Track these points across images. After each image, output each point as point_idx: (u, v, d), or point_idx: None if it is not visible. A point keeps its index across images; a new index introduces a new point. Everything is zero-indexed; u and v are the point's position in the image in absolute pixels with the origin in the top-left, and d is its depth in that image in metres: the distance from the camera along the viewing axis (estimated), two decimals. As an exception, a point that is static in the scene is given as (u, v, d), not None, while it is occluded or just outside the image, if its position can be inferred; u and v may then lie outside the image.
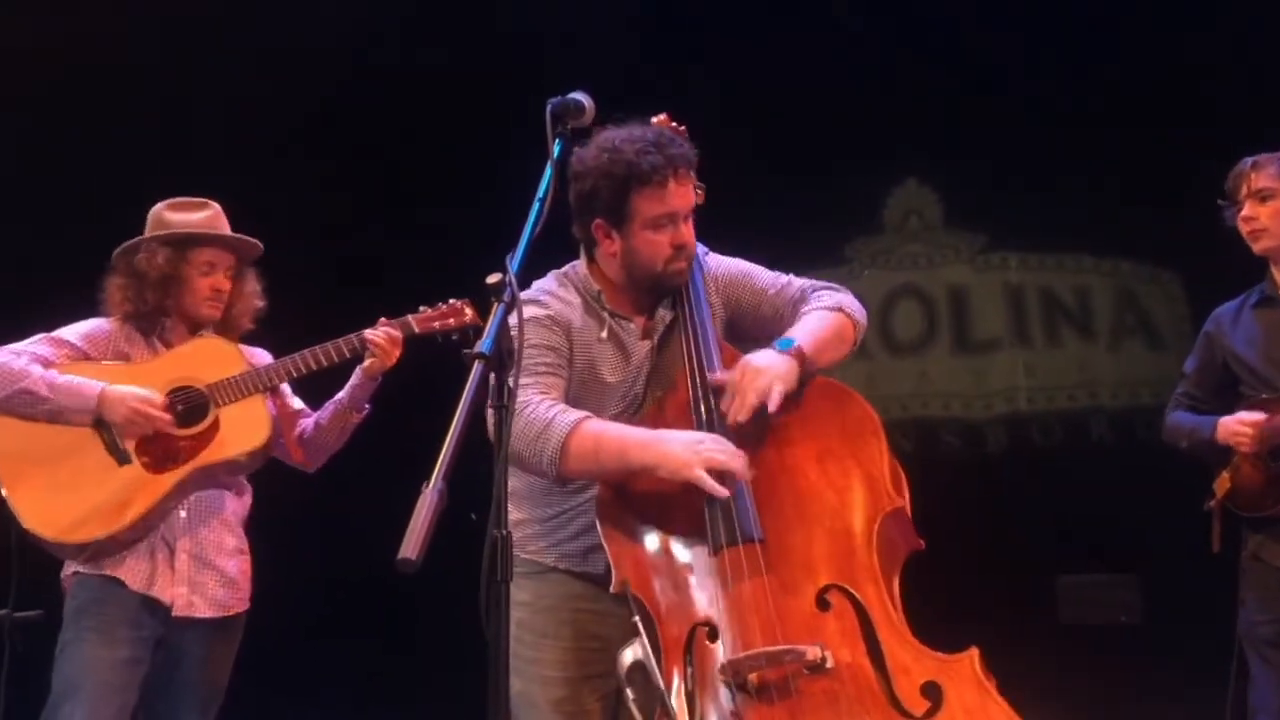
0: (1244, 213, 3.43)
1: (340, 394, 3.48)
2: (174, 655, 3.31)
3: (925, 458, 5.47)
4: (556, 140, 2.44)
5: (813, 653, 2.36)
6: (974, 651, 2.38)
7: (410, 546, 1.77)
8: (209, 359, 3.41)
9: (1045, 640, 4.81)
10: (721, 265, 2.95)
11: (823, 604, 2.46)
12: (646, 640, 2.43)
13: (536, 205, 2.33)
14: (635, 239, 2.76)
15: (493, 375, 2.05)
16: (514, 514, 2.86)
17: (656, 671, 2.38)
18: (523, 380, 2.62)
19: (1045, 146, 5.25)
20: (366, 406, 3.51)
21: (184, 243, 3.41)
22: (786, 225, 5.37)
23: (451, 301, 3.51)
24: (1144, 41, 5.06)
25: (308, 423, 3.54)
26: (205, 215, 3.49)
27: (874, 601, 2.45)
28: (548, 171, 2.38)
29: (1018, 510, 5.15)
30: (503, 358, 2.05)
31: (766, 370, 2.60)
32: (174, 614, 3.28)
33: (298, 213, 4.73)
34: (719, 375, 2.68)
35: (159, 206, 3.49)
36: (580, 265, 2.89)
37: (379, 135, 5.30)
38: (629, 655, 2.43)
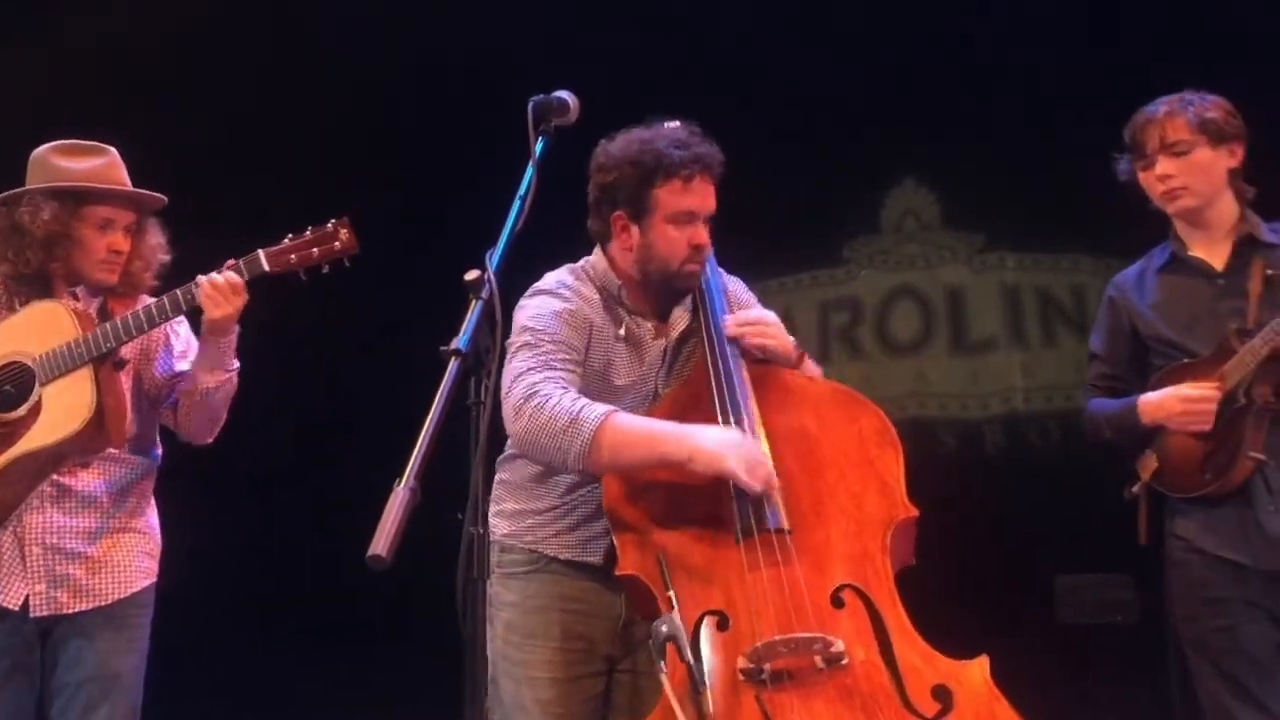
0: (1158, 170, 3.07)
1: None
2: (56, 653, 2.97)
3: (922, 458, 5.39)
4: (539, 138, 2.45)
5: (838, 645, 2.41)
6: (984, 659, 2.44)
7: (381, 544, 1.78)
8: (41, 327, 2.94)
9: (1042, 640, 4.79)
10: (730, 279, 3.02)
11: (837, 602, 2.51)
12: (679, 615, 2.44)
13: (517, 203, 2.34)
14: (654, 232, 2.79)
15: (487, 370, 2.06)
16: (510, 504, 2.87)
17: (686, 646, 2.38)
18: (542, 374, 2.64)
19: (1042, 147, 5.23)
20: (233, 365, 3.04)
21: (75, 196, 2.98)
22: (784, 225, 5.38)
23: (329, 225, 2.97)
24: (1140, 41, 5.05)
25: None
26: (100, 164, 3.04)
27: (886, 603, 2.51)
28: (530, 170, 2.39)
29: (1015, 510, 5.13)
30: (480, 355, 2.04)
31: (782, 329, 2.83)
32: (31, 615, 2.92)
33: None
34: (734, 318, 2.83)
35: (44, 150, 3.05)
36: (598, 260, 2.89)
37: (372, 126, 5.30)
38: (663, 629, 2.42)
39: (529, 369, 2.64)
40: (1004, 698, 2.38)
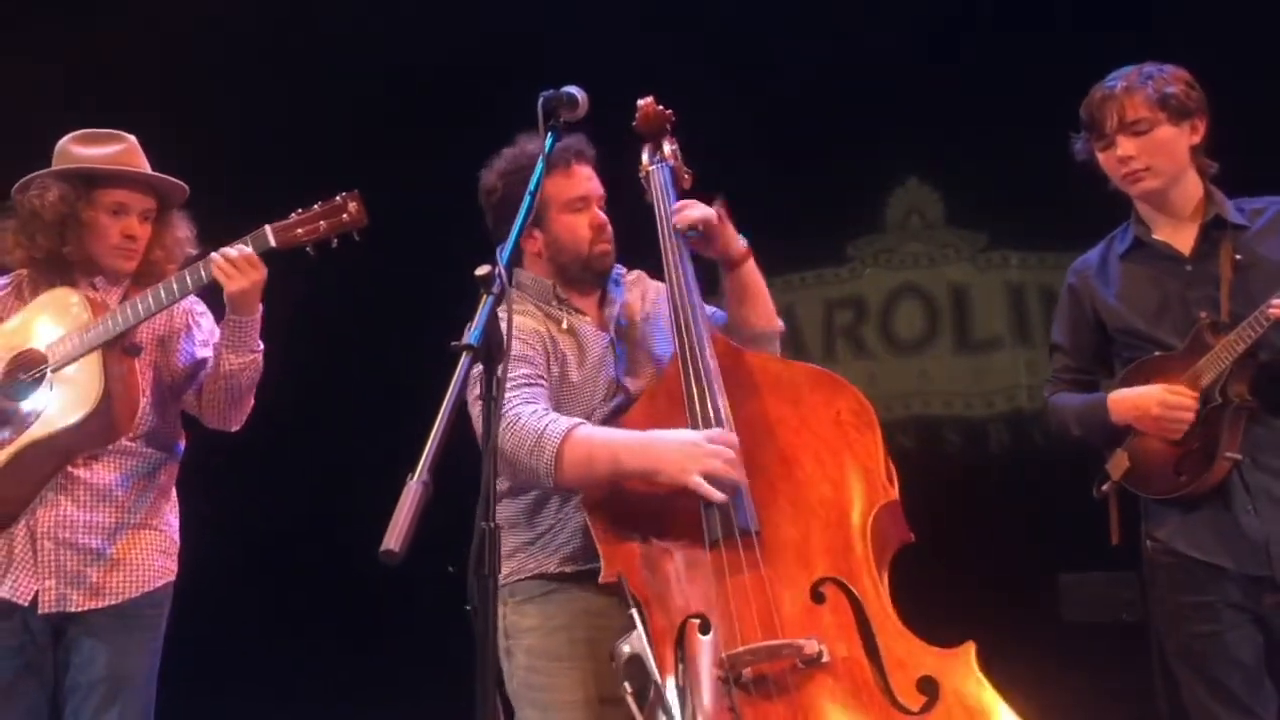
0: (1118, 151, 2.90)
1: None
2: (69, 653, 2.93)
3: (927, 456, 5.45)
4: (549, 134, 2.46)
5: (810, 646, 2.37)
6: (970, 645, 2.38)
7: (393, 538, 1.77)
8: (55, 315, 2.94)
9: (1047, 638, 4.79)
10: None
11: (818, 597, 2.46)
12: (643, 632, 2.42)
13: (528, 199, 2.35)
14: (555, 225, 2.88)
15: (480, 367, 2.05)
16: (510, 541, 2.83)
17: (652, 664, 2.37)
18: (508, 393, 2.63)
19: (1046, 145, 5.21)
20: (258, 346, 2.99)
21: (88, 180, 2.99)
22: (788, 224, 5.37)
23: (338, 198, 2.94)
24: (1144, 40, 5.04)
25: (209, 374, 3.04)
26: (115, 150, 3.03)
27: (870, 595, 2.45)
28: (539, 165, 2.39)
29: (1019, 508, 5.12)
30: (491, 350, 2.04)
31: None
32: (39, 611, 2.87)
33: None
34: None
35: (65, 139, 3.08)
36: (522, 277, 2.95)
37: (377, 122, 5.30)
38: (625, 648, 2.41)
39: None
40: (990, 686, 2.32)
